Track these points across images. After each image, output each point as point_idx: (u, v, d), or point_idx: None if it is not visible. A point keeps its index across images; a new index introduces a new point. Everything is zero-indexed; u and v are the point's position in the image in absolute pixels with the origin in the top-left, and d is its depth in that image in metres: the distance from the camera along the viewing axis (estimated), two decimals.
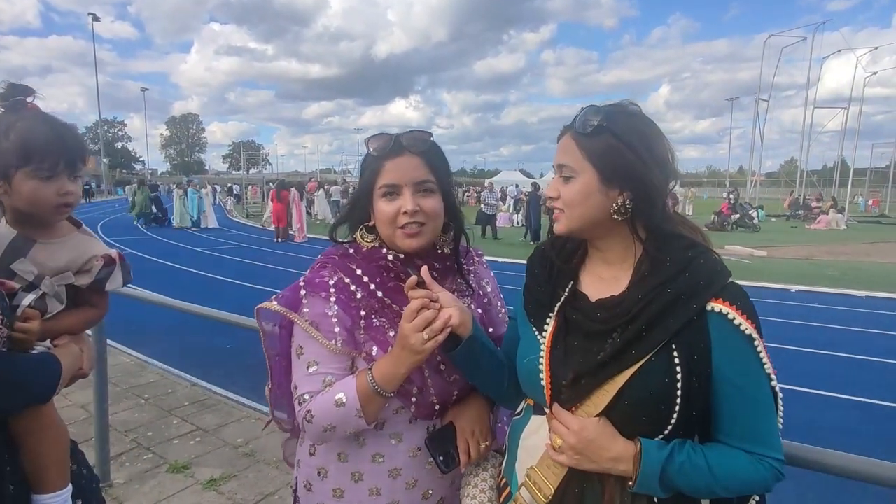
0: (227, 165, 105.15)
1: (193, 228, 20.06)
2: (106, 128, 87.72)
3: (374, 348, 1.21)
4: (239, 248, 15.13)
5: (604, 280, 1.12)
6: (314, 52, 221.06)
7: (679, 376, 0.97)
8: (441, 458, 1.24)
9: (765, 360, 0.98)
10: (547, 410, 1.11)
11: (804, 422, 4.26)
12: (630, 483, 0.99)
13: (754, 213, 22.61)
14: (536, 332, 1.15)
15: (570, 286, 1.15)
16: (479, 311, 1.36)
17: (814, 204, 28.17)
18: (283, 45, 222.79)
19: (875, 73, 39.80)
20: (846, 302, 9.03)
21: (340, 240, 1.35)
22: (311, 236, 16.85)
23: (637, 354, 0.99)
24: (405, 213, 1.20)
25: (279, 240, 16.59)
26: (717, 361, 0.97)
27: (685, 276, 1.01)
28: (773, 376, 0.99)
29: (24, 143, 1.27)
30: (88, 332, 1.56)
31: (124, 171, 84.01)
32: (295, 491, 1.37)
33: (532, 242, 15.76)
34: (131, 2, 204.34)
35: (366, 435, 1.24)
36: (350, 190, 19.98)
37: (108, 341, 5.26)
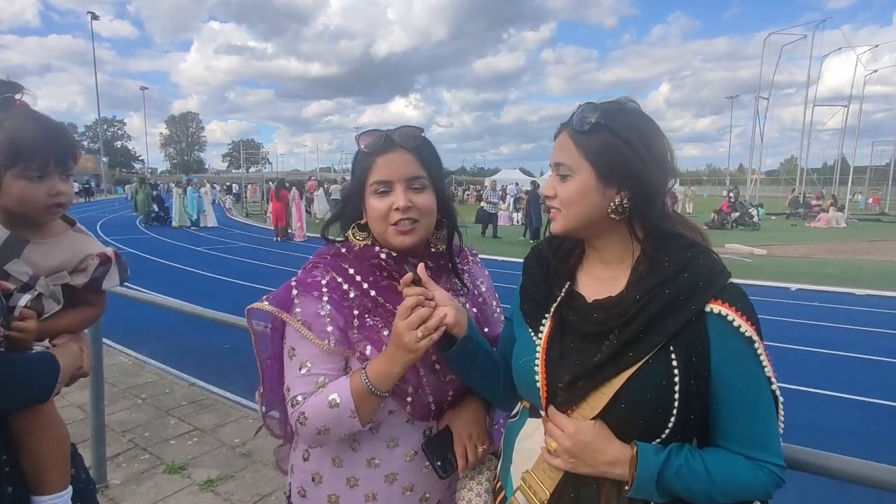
0: (226, 164, 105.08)
1: (193, 228, 20.05)
2: (105, 127, 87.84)
3: (368, 348, 1.19)
4: (238, 248, 15.12)
5: (601, 280, 1.10)
6: (314, 50, 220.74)
7: (677, 379, 0.95)
8: (439, 464, 1.22)
9: (765, 363, 0.96)
10: (542, 413, 1.09)
11: (805, 421, 4.25)
12: (626, 487, 0.97)
13: (754, 212, 22.59)
14: (532, 333, 1.13)
15: (566, 286, 1.13)
16: (474, 310, 1.35)
17: (814, 202, 28.15)
18: (283, 44, 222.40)
19: (875, 71, 39.72)
20: (846, 300, 9.01)
21: (332, 238, 1.33)
22: (311, 235, 16.83)
23: (634, 356, 0.97)
24: (397, 209, 1.18)
25: (278, 239, 16.59)
26: (716, 364, 0.95)
27: (684, 276, 0.99)
28: (773, 379, 0.97)
29: (12, 143, 1.24)
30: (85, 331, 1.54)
31: (124, 170, 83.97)
32: (289, 497, 1.35)
33: (532, 241, 15.75)
34: (130, 1, 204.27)
35: (361, 439, 1.22)
36: None
37: (107, 341, 5.28)
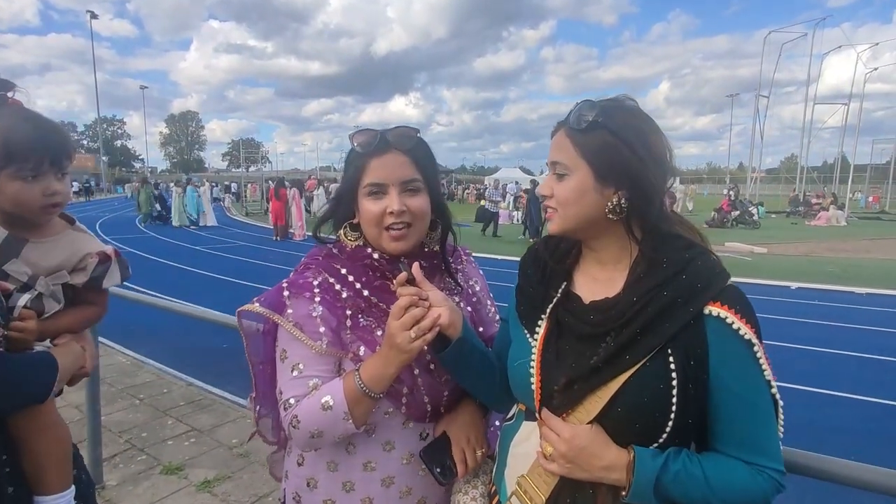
0: (226, 163, 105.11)
1: (192, 227, 20.05)
2: (105, 126, 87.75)
3: (362, 348, 1.17)
4: (238, 247, 15.10)
5: (598, 281, 1.08)
6: (314, 49, 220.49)
7: (675, 382, 0.93)
8: (438, 471, 1.20)
9: (764, 367, 0.94)
10: (538, 416, 1.07)
11: (804, 421, 4.24)
12: (623, 493, 0.95)
13: (754, 210, 22.57)
14: (528, 335, 1.12)
15: (562, 287, 1.11)
16: (469, 309, 1.33)
17: (814, 200, 28.14)
18: (283, 43, 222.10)
19: (875, 69, 39.58)
20: (847, 299, 9.00)
21: (324, 237, 1.31)
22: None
23: (631, 359, 0.95)
24: (391, 213, 1.16)
25: (278, 238, 16.57)
26: (715, 367, 0.94)
27: (682, 278, 0.97)
28: (773, 383, 0.95)
29: (5, 144, 1.23)
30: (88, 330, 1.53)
31: (124, 169, 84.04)
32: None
33: (532, 240, 15.74)
34: None
35: (356, 442, 1.20)
36: None
37: (104, 341, 5.27)
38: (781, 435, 0.98)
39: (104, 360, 3.67)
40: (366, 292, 1.20)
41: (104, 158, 63.62)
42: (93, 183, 47.99)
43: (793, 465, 1.11)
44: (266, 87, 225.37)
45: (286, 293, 1.19)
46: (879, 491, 1.14)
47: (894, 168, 39.33)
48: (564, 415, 1.01)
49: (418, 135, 1.22)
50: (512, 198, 26.05)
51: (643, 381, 0.95)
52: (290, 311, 1.18)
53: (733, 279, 0.99)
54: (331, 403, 1.11)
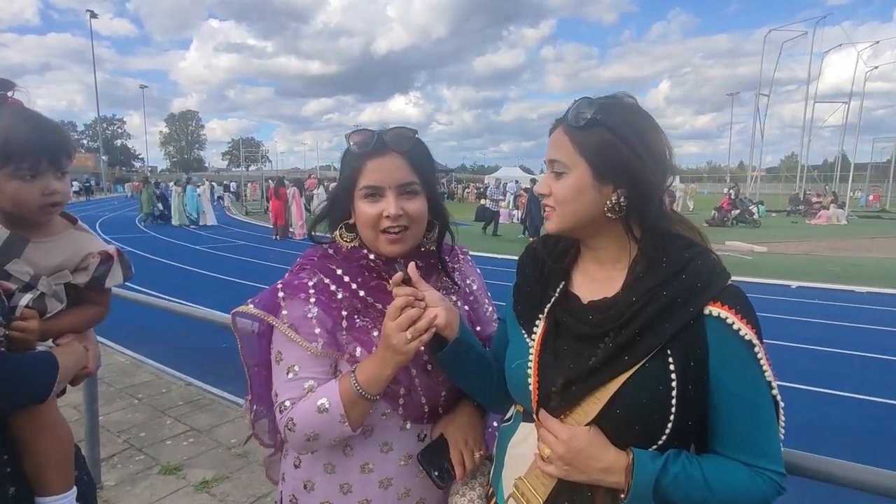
0: (226, 163, 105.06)
1: (192, 226, 20.04)
2: (105, 125, 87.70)
3: (358, 349, 1.16)
4: (238, 246, 15.09)
5: (597, 281, 1.07)
6: (314, 48, 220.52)
7: (674, 384, 0.92)
8: (436, 474, 1.19)
9: (765, 368, 0.93)
10: (535, 418, 1.06)
11: (805, 420, 4.23)
12: (622, 496, 0.94)
13: (755, 209, 22.55)
14: (525, 335, 1.10)
15: (561, 287, 1.10)
16: (466, 308, 1.32)
17: (814, 199, 28.11)
18: (283, 42, 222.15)
19: (876, 68, 39.65)
20: (847, 298, 8.98)
21: (320, 236, 1.30)
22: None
23: (630, 360, 0.94)
24: (388, 217, 1.15)
25: (278, 237, 16.55)
26: (715, 368, 0.92)
27: (682, 277, 0.95)
28: (773, 384, 0.94)
29: (3, 143, 1.23)
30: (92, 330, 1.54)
31: (124, 168, 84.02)
32: None
33: (532, 239, 15.71)
34: None
35: (353, 444, 1.19)
36: None
37: (103, 340, 5.26)
38: (782, 436, 0.97)
39: (103, 359, 3.66)
40: (362, 293, 1.19)
41: (104, 158, 63.59)
42: (93, 182, 47.97)
43: (793, 466, 1.10)
44: (266, 86, 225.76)
45: (281, 294, 1.18)
46: (880, 493, 1.13)
47: (895, 167, 39.27)
48: (562, 416, 1.00)
49: (416, 136, 1.20)
50: (512, 197, 26.04)
51: (642, 382, 0.93)
52: (284, 312, 1.16)
53: (733, 278, 0.98)
54: (326, 406, 1.09)
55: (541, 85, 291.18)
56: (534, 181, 18.86)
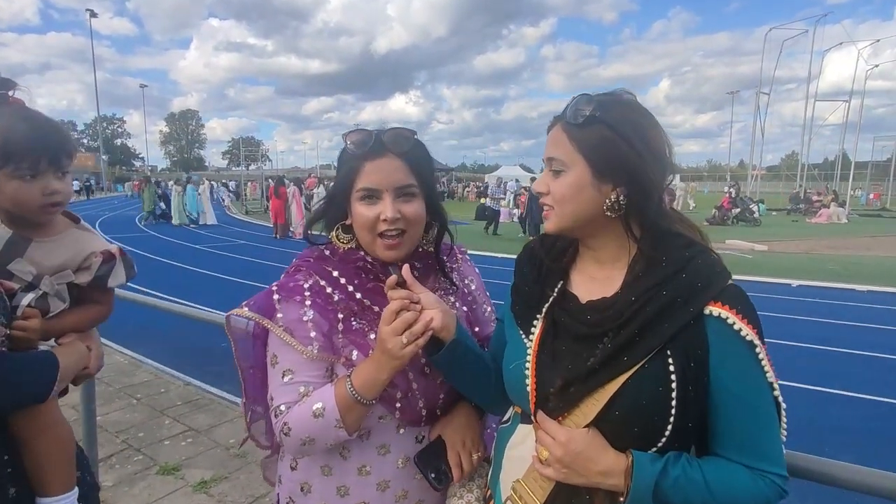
0: (226, 162, 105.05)
1: (192, 225, 20.03)
2: (105, 125, 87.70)
3: (354, 352, 1.14)
4: (238, 245, 15.08)
5: (595, 280, 1.05)
6: (314, 47, 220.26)
7: (674, 385, 0.90)
8: (433, 476, 1.17)
9: (766, 368, 0.91)
10: (533, 419, 1.04)
11: (805, 420, 4.21)
12: (621, 499, 0.92)
13: (755, 208, 22.54)
14: (523, 335, 1.09)
15: (559, 286, 1.08)
16: (465, 308, 1.31)
17: (815, 198, 28.08)
18: (283, 41, 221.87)
19: (876, 66, 39.68)
20: (847, 296, 8.97)
21: (316, 236, 1.28)
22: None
23: (630, 361, 0.93)
24: (385, 220, 1.13)
25: (278, 236, 16.54)
26: (715, 369, 0.91)
27: (682, 277, 0.94)
28: (775, 385, 0.93)
29: (3, 143, 1.22)
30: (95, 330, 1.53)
31: (124, 167, 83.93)
32: None
33: (532, 237, 15.69)
34: None
35: (351, 446, 1.18)
36: None
37: (103, 340, 5.23)
38: (784, 438, 0.96)
39: None
40: (358, 295, 1.18)
41: (104, 157, 63.53)
42: (93, 182, 47.98)
43: (794, 468, 1.08)
44: (266, 85, 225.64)
45: (276, 297, 1.16)
46: (882, 495, 1.11)
47: (895, 165, 39.21)
48: (560, 418, 0.99)
49: (415, 136, 1.18)
50: (512, 196, 26.02)
51: (641, 383, 0.92)
52: (280, 315, 1.15)
53: (734, 277, 0.97)
54: (322, 411, 1.08)
55: (541, 84, 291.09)
56: (534, 180, 18.80)
